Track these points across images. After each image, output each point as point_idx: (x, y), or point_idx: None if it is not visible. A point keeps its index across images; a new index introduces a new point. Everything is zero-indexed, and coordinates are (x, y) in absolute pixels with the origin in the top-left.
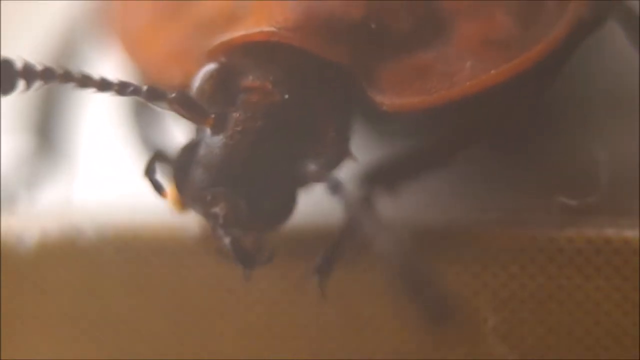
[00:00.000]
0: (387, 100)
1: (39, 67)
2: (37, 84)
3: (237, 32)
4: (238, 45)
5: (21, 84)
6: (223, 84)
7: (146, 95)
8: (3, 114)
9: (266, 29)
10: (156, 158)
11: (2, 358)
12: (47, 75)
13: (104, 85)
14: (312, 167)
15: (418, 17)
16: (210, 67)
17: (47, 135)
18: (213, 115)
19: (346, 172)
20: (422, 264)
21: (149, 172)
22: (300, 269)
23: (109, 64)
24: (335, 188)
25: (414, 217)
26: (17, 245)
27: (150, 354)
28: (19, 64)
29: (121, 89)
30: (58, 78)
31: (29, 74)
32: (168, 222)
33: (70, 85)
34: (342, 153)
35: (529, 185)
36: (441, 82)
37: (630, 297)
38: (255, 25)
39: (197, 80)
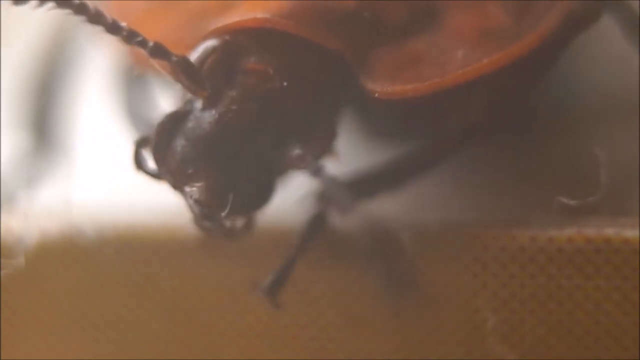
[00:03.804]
0: (379, 87)
1: None
2: (50, 4)
3: (231, 19)
4: (232, 31)
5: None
6: (225, 60)
7: (151, 51)
8: (2, 113)
9: (260, 15)
10: (140, 146)
11: (2, 358)
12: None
13: (114, 27)
14: (296, 152)
15: (411, 6)
16: (214, 41)
17: (45, 134)
18: (209, 89)
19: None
20: (392, 240)
21: (139, 163)
22: (300, 269)
23: (105, 53)
24: (317, 171)
25: (414, 217)
26: (17, 245)
27: (150, 354)
28: None
29: (129, 36)
30: (72, 5)
31: None
32: (168, 222)
33: (82, 18)
34: (326, 148)
35: (529, 185)
36: (433, 70)
37: (630, 297)
38: (250, 11)
39: (197, 52)
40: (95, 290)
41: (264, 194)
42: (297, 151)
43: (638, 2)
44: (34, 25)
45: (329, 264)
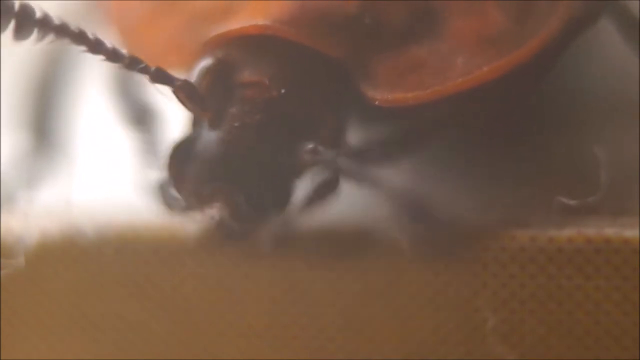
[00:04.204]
0: (379, 95)
1: (56, 21)
2: (50, 37)
3: (233, 25)
4: (233, 37)
5: (35, 33)
6: (219, 79)
7: (154, 76)
8: (2, 113)
9: (261, 22)
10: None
11: (2, 358)
12: (62, 30)
13: (115, 55)
14: (307, 147)
15: (412, 13)
16: (207, 62)
17: (45, 134)
18: (212, 110)
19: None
20: (422, 200)
21: (169, 203)
22: (300, 269)
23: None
24: (332, 161)
25: None
26: (17, 245)
27: (150, 354)
28: (38, 13)
29: (131, 63)
30: (72, 36)
31: (45, 24)
32: (168, 222)
33: (82, 47)
34: (337, 141)
35: (529, 185)
36: (435, 78)
37: (630, 297)
38: (251, 18)
39: (194, 76)
40: (95, 290)
41: (282, 198)
42: (308, 146)
43: (638, 2)
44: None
45: (329, 264)
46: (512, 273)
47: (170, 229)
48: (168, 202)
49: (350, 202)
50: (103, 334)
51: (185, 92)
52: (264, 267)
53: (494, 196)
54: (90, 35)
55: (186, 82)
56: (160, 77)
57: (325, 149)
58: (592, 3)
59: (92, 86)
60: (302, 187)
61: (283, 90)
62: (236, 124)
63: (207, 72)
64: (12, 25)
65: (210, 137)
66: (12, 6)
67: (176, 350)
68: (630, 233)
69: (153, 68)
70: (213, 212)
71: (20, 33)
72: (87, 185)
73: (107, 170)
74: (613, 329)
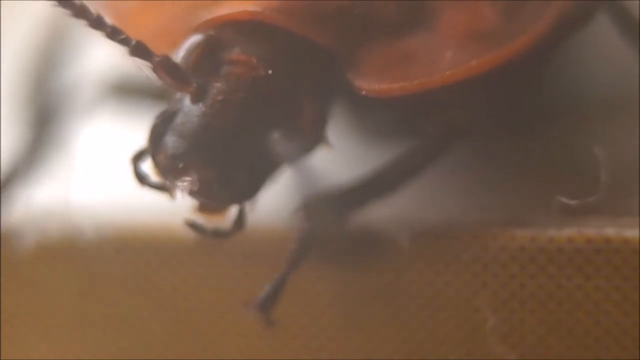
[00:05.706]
0: (366, 84)
1: None
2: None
3: (223, 12)
4: (223, 23)
5: None
6: (208, 54)
7: (133, 50)
8: (2, 113)
9: (250, 8)
10: (138, 160)
11: (2, 358)
12: None
13: (98, 22)
14: (284, 144)
15: (403, 5)
16: (198, 37)
17: (45, 133)
18: (194, 84)
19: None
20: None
21: (141, 178)
22: (300, 269)
23: (99, 45)
24: (291, 156)
25: (414, 217)
26: (17, 245)
27: (150, 354)
28: None
29: (112, 33)
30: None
31: None
32: (168, 222)
33: (66, 11)
34: (318, 135)
35: (529, 185)
36: (422, 70)
37: (630, 297)
38: (240, 5)
39: (182, 50)
40: (95, 290)
41: (254, 184)
42: (275, 135)
43: (638, 2)
44: (32, 22)
45: (329, 264)
46: (512, 273)
47: (170, 229)
48: (139, 176)
49: None
50: (103, 334)
51: (164, 68)
52: (263, 266)
53: (494, 196)
54: (76, 1)
55: (165, 58)
56: (139, 51)
57: (287, 142)
58: (585, 3)
59: (92, 85)
60: (276, 178)
61: (270, 71)
62: (219, 98)
63: (198, 46)
64: None
65: (191, 110)
66: None
67: (176, 350)
68: (630, 233)
69: (133, 41)
70: (183, 186)
71: None
72: (87, 185)
73: (107, 170)
74: (613, 329)
